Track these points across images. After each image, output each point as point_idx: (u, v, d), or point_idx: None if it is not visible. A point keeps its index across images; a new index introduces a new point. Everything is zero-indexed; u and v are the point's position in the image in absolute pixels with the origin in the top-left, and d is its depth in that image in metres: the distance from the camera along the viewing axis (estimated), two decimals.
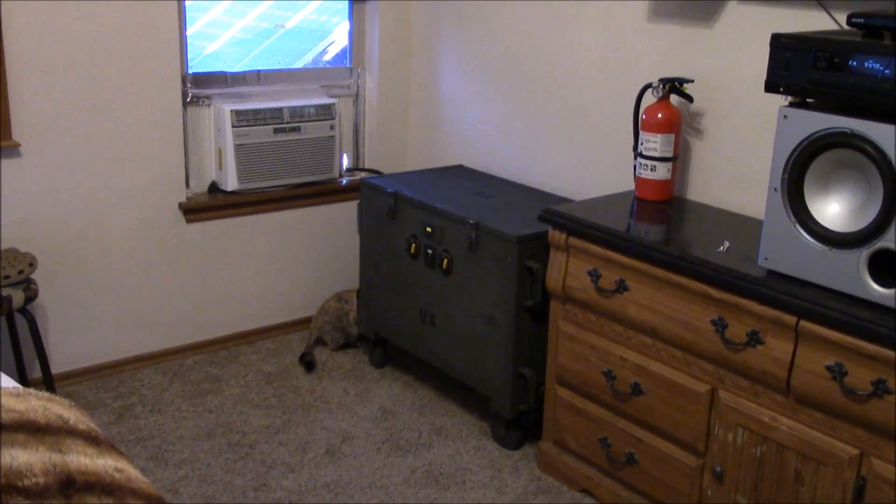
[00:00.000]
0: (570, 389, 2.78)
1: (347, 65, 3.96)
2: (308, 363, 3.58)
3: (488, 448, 3.06)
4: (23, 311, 2.92)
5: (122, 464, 1.46)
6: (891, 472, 2.02)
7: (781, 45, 2.13)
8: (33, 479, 1.28)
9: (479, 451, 3.04)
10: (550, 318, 2.81)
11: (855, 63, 2.00)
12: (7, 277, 2.87)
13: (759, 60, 2.59)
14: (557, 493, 2.82)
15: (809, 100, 2.13)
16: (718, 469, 2.37)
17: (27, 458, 1.32)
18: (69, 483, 1.32)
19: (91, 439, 1.47)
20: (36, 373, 3.18)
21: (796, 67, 2.11)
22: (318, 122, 3.71)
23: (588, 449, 2.76)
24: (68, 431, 1.46)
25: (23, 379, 3.20)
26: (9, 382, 2.01)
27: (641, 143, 2.84)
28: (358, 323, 3.68)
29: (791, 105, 2.14)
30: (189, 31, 3.48)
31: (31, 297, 2.92)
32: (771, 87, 2.17)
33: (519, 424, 3.05)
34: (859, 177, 2.03)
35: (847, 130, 2.00)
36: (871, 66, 1.97)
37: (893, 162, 1.93)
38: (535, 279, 2.85)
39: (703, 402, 2.39)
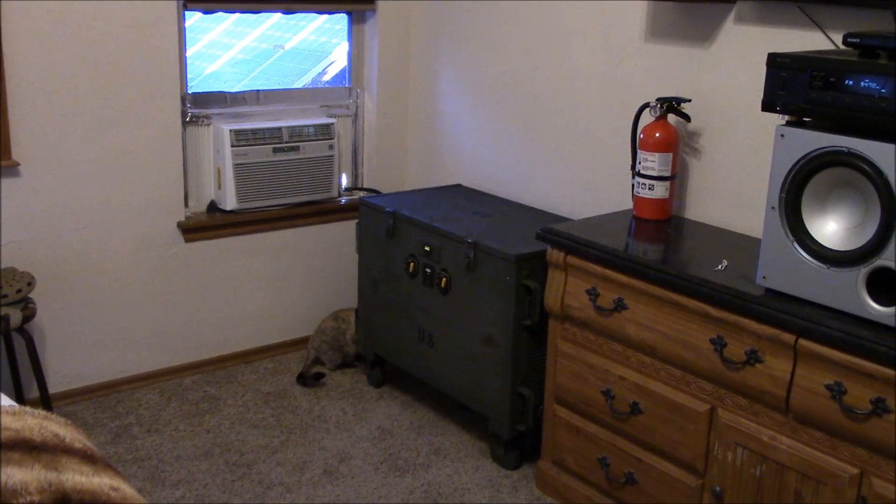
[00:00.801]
0: (568, 409, 2.78)
1: (346, 85, 3.98)
2: (316, 375, 3.58)
3: (487, 468, 3.05)
4: (20, 330, 2.92)
5: (118, 482, 1.45)
6: (891, 492, 2.01)
7: (778, 65, 2.15)
8: (28, 498, 1.27)
9: (478, 472, 3.02)
10: (549, 337, 2.81)
11: (851, 82, 2.01)
12: (5, 297, 2.87)
13: (755, 80, 2.60)
14: None
15: (806, 119, 2.14)
16: (718, 489, 2.36)
17: (22, 477, 1.31)
18: (65, 502, 1.31)
19: (87, 458, 1.46)
20: (33, 392, 3.17)
21: (793, 87, 2.12)
22: (317, 142, 3.72)
23: (587, 469, 2.74)
24: (64, 450, 1.45)
25: (20, 398, 3.19)
26: (5, 401, 2.01)
27: (639, 163, 2.85)
28: (355, 342, 3.68)
29: (788, 124, 2.14)
30: (189, 52, 3.50)
31: (28, 316, 2.92)
32: (768, 106, 2.18)
33: (518, 444, 3.04)
34: (857, 195, 2.04)
35: (844, 149, 2.01)
36: (867, 85, 1.98)
37: (890, 180, 1.93)
38: (534, 298, 2.85)
39: (703, 422, 2.38)
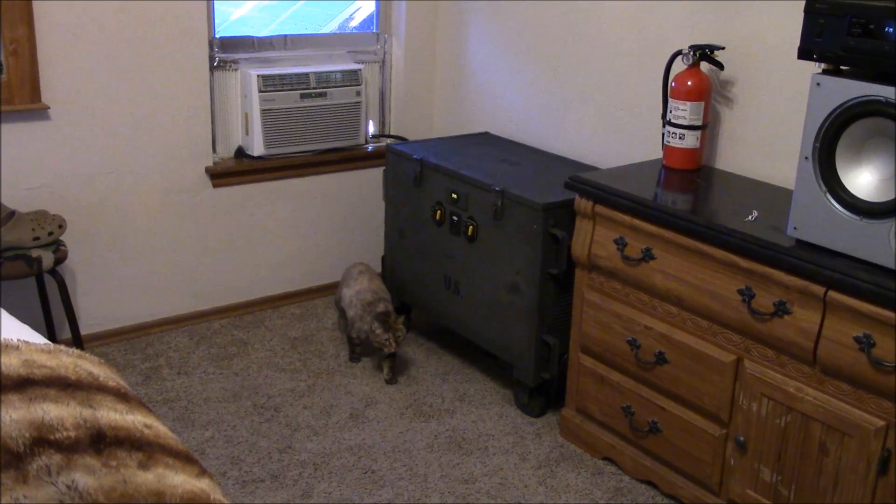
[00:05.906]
0: (593, 358, 2.78)
1: (374, 30, 3.94)
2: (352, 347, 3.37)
3: (511, 415, 3.07)
4: (52, 272, 2.96)
5: (151, 420, 1.48)
6: None
7: (816, 11, 2.10)
8: (64, 433, 1.30)
9: (502, 418, 3.05)
10: (575, 286, 2.81)
11: (891, 29, 1.96)
12: (37, 239, 2.91)
13: (792, 27, 2.55)
14: (580, 460, 2.83)
15: (843, 67, 2.10)
16: (742, 439, 2.37)
17: (58, 413, 1.34)
18: (100, 437, 1.34)
19: (120, 396, 1.49)
20: (65, 333, 3.22)
21: (830, 34, 2.07)
22: (344, 88, 3.70)
23: (611, 417, 2.76)
24: (98, 387, 1.48)
25: (52, 339, 3.24)
26: (40, 340, 2.04)
27: (670, 111, 2.81)
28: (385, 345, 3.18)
29: (824, 72, 2.10)
30: None
31: (60, 258, 2.95)
32: (804, 54, 2.14)
33: (542, 392, 3.06)
34: (892, 146, 2.00)
35: (881, 98, 1.97)
36: None
37: None
38: (561, 247, 2.84)
39: (728, 372, 2.38)
